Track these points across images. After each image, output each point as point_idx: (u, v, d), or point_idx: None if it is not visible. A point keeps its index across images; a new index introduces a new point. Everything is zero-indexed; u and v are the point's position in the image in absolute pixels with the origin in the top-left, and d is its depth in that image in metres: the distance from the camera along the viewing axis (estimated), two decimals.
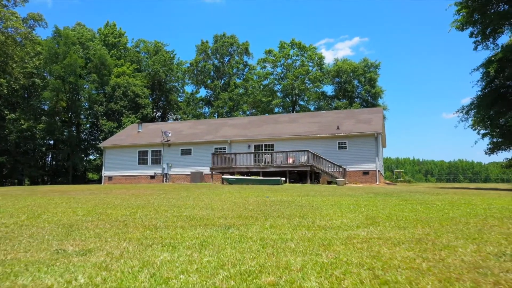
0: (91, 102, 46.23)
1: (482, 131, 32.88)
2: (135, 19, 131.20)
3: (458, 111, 26.59)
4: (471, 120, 29.37)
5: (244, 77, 58.70)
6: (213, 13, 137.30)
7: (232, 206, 7.96)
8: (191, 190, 14.83)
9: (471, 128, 34.83)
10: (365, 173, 26.41)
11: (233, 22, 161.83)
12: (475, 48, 22.78)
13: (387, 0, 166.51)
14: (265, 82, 54.70)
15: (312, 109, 53.66)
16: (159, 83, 54.50)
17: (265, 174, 24.01)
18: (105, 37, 53.46)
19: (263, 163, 24.46)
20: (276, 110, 52.99)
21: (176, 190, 14.65)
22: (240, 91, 55.88)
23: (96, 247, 3.87)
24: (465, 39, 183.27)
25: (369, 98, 51.89)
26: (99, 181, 39.85)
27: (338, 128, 27.51)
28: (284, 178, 21.57)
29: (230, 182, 20.81)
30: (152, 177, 30.57)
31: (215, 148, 29.18)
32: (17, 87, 42.19)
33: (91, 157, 51.77)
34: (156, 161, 30.87)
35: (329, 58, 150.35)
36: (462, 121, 25.93)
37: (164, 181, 29.86)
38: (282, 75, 54.12)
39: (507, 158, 37.54)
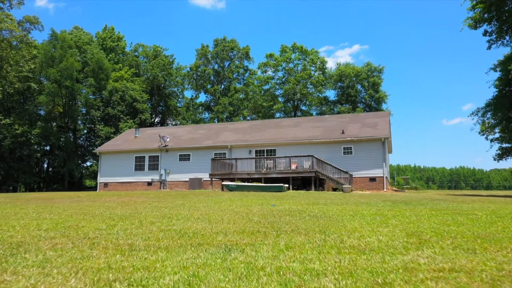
0: (88, 107, 44.95)
1: (491, 137, 31.73)
2: (135, 25, 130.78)
3: (473, 113, 25.32)
4: (479, 124, 28.19)
5: (245, 81, 57.50)
6: (213, 19, 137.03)
7: (234, 217, 6.65)
8: (187, 197, 13.50)
9: (480, 134, 33.68)
10: (372, 179, 25.05)
11: (233, 29, 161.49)
12: (489, 48, 21.57)
13: (387, 8, 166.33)
14: (266, 87, 53.42)
15: (314, 114, 52.35)
16: (158, 88, 53.31)
17: (267, 180, 22.70)
18: (103, 41, 52.39)
19: (265, 169, 23.15)
20: (278, 115, 51.64)
21: (171, 198, 13.33)
22: (241, 96, 54.63)
23: (24, 287, 2.55)
24: (466, 44, 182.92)
25: (372, 103, 50.59)
26: (95, 188, 38.48)
27: (343, 132, 26.20)
28: (287, 185, 20.31)
29: (230, 188, 19.59)
30: (149, 183, 29.20)
31: (214, 153, 27.86)
32: (12, 91, 40.99)
33: (88, 163, 50.41)
34: (154, 167, 29.51)
35: (329, 65, 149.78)
36: (478, 123, 24.61)
37: (162, 188, 28.49)
38: (283, 79, 52.81)
39: None
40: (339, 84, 52.07)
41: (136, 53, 55.36)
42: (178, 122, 55.10)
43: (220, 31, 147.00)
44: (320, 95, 52.14)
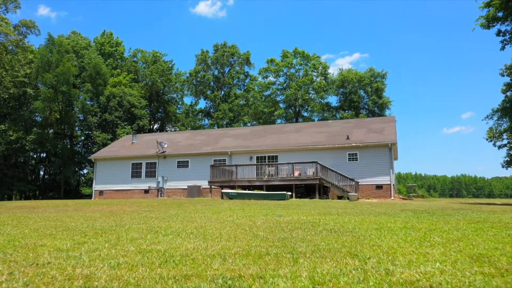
0: (85, 113, 43.82)
1: (498, 143, 30.75)
2: (134, 31, 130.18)
3: (487, 117, 24.26)
4: (487, 128, 27.18)
5: (245, 87, 56.46)
6: (214, 27, 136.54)
7: (235, 231, 5.46)
8: (183, 206, 12.29)
9: (487, 140, 32.65)
10: (379, 187, 23.83)
11: (234, 37, 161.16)
12: (503, 48, 20.53)
13: (386, 16, 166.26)
14: (267, 93, 52.24)
15: (316, 120, 51.19)
16: (157, 94, 52.25)
17: (269, 188, 21.48)
18: (101, 46, 51.46)
19: (266, 176, 21.94)
20: (279, 121, 50.45)
21: (166, 207, 12.12)
22: (241, 102, 53.51)
23: None
24: (467, 49, 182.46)
25: (375, 109, 49.48)
26: (91, 196, 37.21)
27: (348, 138, 25.04)
28: (290, 193, 19.13)
29: (230, 196, 18.41)
30: (146, 191, 27.96)
31: (214, 160, 26.67)
32: (7, 96, 39.94)
33: (85, 170, 49.09)
34: (151, 174, 28.29)
35: (331, 71, 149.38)
36: (495, 126, 23.57)
37: (159, 195, 27.23)
38: (284, 85, 51.69)
39: None
40: (341, 89, 51.02)
41: (135, 59, 54.42)
42: (177, 129, 53.94)
43: (221, 39, 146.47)
44: (322, 101, 51.00)
